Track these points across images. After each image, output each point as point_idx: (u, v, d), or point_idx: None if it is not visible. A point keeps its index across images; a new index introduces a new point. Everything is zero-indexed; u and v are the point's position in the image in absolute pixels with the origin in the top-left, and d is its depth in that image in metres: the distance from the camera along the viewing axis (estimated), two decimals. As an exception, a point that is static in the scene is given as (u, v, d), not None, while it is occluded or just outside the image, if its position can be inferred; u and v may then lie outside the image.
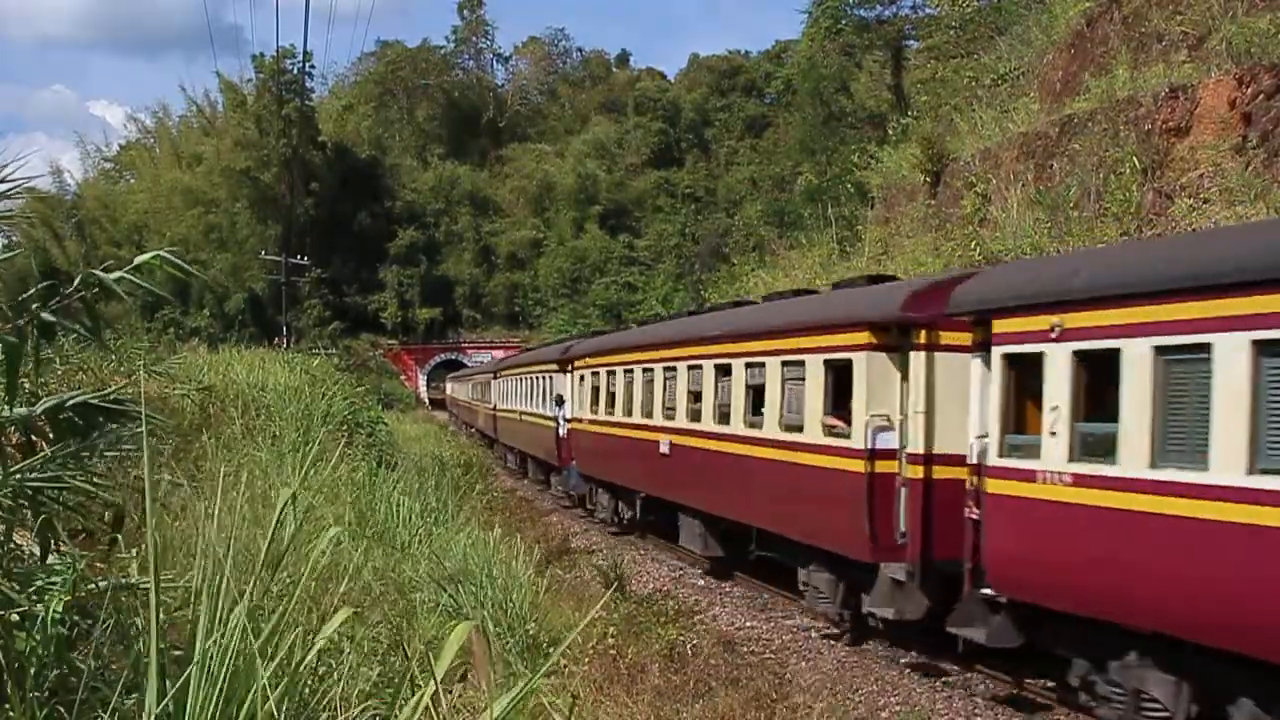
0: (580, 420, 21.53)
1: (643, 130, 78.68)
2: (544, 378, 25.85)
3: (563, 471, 23.54)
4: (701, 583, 15.41)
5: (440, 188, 73.99)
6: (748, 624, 12.88)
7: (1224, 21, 17.03)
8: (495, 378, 36.54)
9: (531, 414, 27.68)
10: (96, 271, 3.63)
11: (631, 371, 18.22)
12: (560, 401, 23.06)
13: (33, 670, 3.30)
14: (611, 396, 19.43)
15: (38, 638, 3.34)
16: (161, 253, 3.79)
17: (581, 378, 21.80)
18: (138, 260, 3.77)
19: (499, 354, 58.27)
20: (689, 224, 70.97)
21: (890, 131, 32.26)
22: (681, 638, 11.35)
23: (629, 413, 18.18)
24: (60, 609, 3.38)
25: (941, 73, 33.18)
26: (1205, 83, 16.17)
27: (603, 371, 20.18)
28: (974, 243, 20.01)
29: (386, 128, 79.11)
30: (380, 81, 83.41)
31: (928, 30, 40.57)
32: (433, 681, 2.85)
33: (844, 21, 53.59)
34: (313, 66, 73.37)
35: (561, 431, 23.00)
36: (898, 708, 9.54)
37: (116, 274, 3.68)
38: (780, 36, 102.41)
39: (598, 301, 67.69)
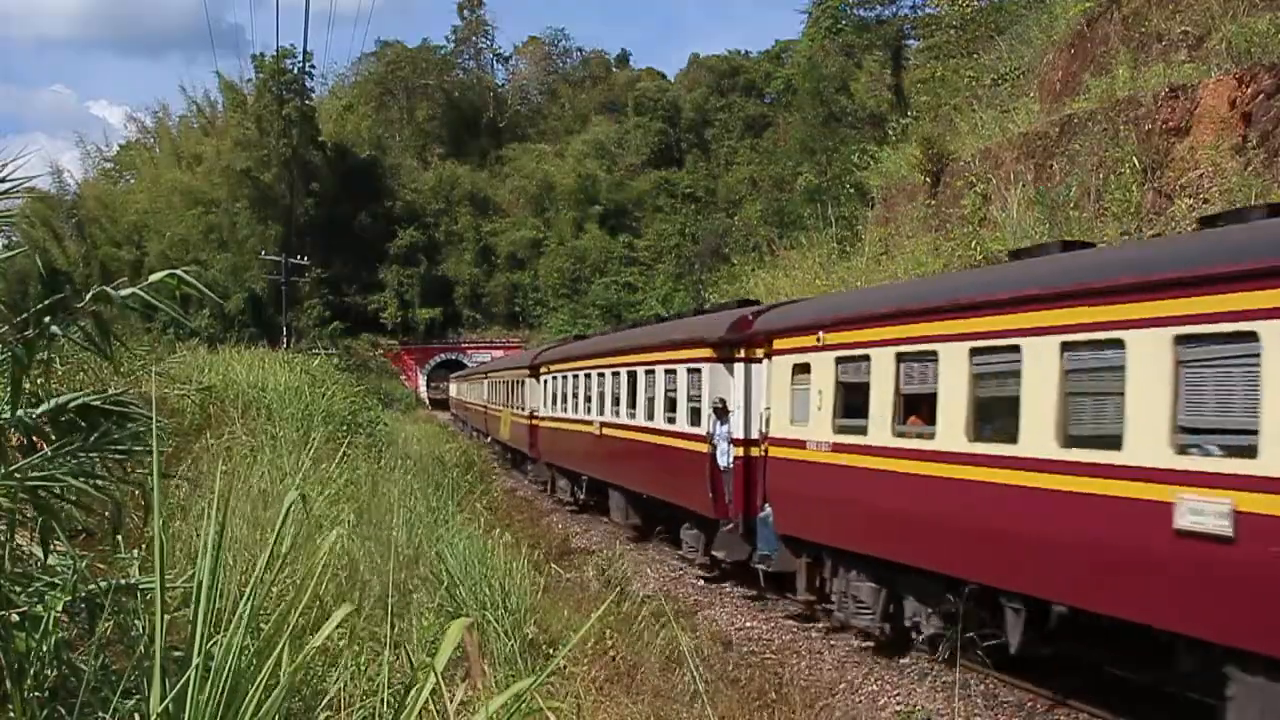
0: (801, 444, 11.88)
1: (643, 130, 78.72)
2: (673, 372, 16.12)
3: (720, 525, 14.42)
4: (701, 583, 15.40)
5: (440, 188, 74.04)
6: (748, 624, 12.87)
7: (1224, 21, 17.04)
8: (537, 375, 26.87)
9: (638, 429, 17.72)
10: (109, 289, 3.63)
11: (1076, 350, 8.06)
12: (723, 411, 14.17)
13: (32, 670, 3.30)
14: (1005, 408, 8.85)
15: (37, 638, 3.34)
16: (178, 273, 3.80)
17: (802, 368, 12.05)
18: (152, 278, 3.77)
19: (499, 354, 58.15)
20: (689, 224, 71.01)
21: (890, 132, 32.30)
22: (681, 638, 11.36)
23: (1040, 436, 8.29)
24: (60, 609, 3.39)
25: (941, 73, 33.20)
26: (1205, 83, 16.17)
27: (958, 352, 9.38)
28: (974, 242, 20.02)
29: (386, 128, 79.19)
30: (380, 81, 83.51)
31: (928, 30, 40.63)
32: (433, 675, 2.85)
33: (844, 21, 53.81)
34: (313, 66, 73.51)
35: (723, 460, 14.12)
36: (898, 708, 9.55)
37: (128, 290, 3.68)
38: (780, 36, 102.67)
39: (598, 301, 67.72)
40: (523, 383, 28.90)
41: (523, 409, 28.65)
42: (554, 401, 24.39)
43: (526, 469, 30.35)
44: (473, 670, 2.89)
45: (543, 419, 25.84)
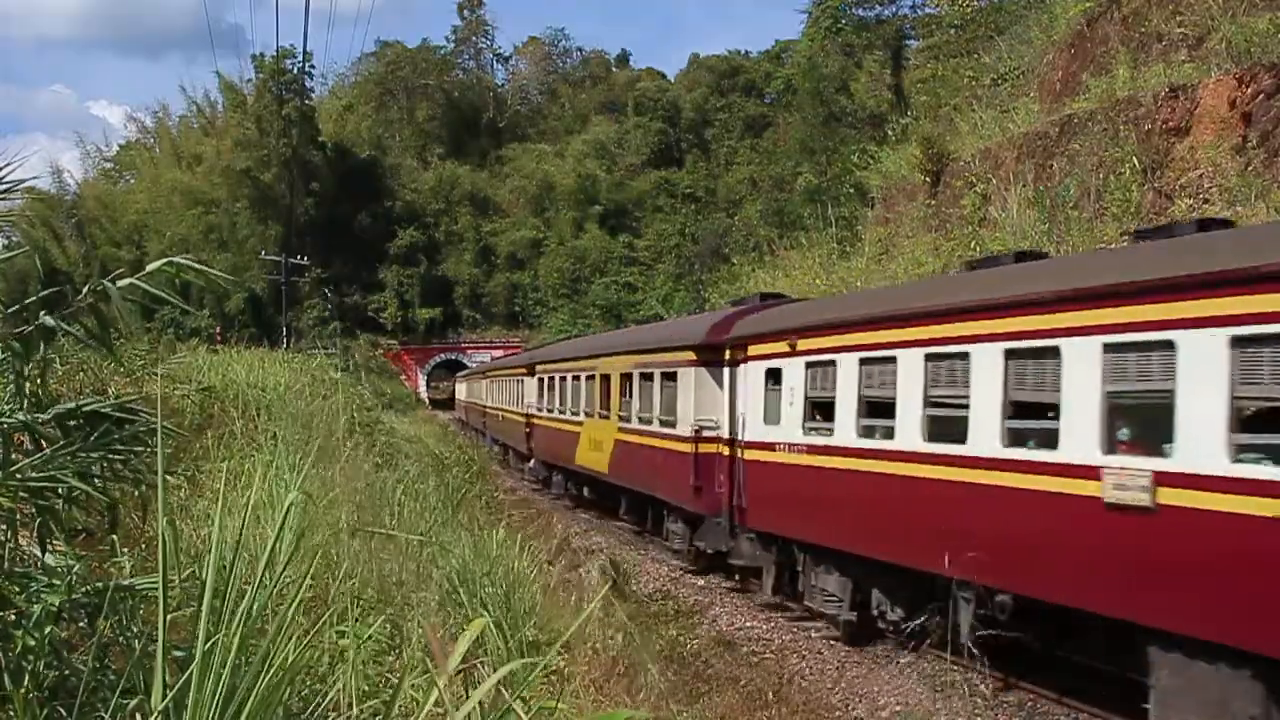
0: None
1: (643, 130, 78.74)
2: None
3: None
4: (701, 582, 15.40)
5: (440, 188, 74.05)
6: (748, 624, 12.87)
7: (1224, 21, 17.04)
8: (787, 354, 12.83)
9: None
10: (106, 282, 3.62)
11: None
12: None
13: (31, 669, 3.30)
14: None
15: (34, 636, 3.34)
16: (176, 260, 3.79)
17: None
18: (150, 267, 3.77)
19: (499, 353, 58.06)
20: (689, 224, 71.05)
21: (890, 132, 32.33)
22: (681, 637, 11.37)
23: None
24: (55, 606, 3.38)
25: (941, 72, 33.22)
26: (1205, 83, 16.17)
27: None
28: (974, 243, 20.02)
29: (386, 128, 79.18)
30: (380, 81, 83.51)
31: (928, 30, 40.68)
32: (435, 690, 2.86)
33: (844, 21, 53.82)
34: (313, 66, 73.48)
35: None
36: (898, 708, 9.55)
37: (125, 281, 3.67)
38: (780, 36, 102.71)
39: (598, 301, 67.74)
40: (670, 378, 15.98)
41: (679, 423, 15.34)
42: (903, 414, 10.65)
43: (666, 539, 16.99)
44: (440, 667, 2.91)
45: (823, 450, 11.87)
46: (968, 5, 34.17)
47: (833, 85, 48.22)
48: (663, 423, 16.27)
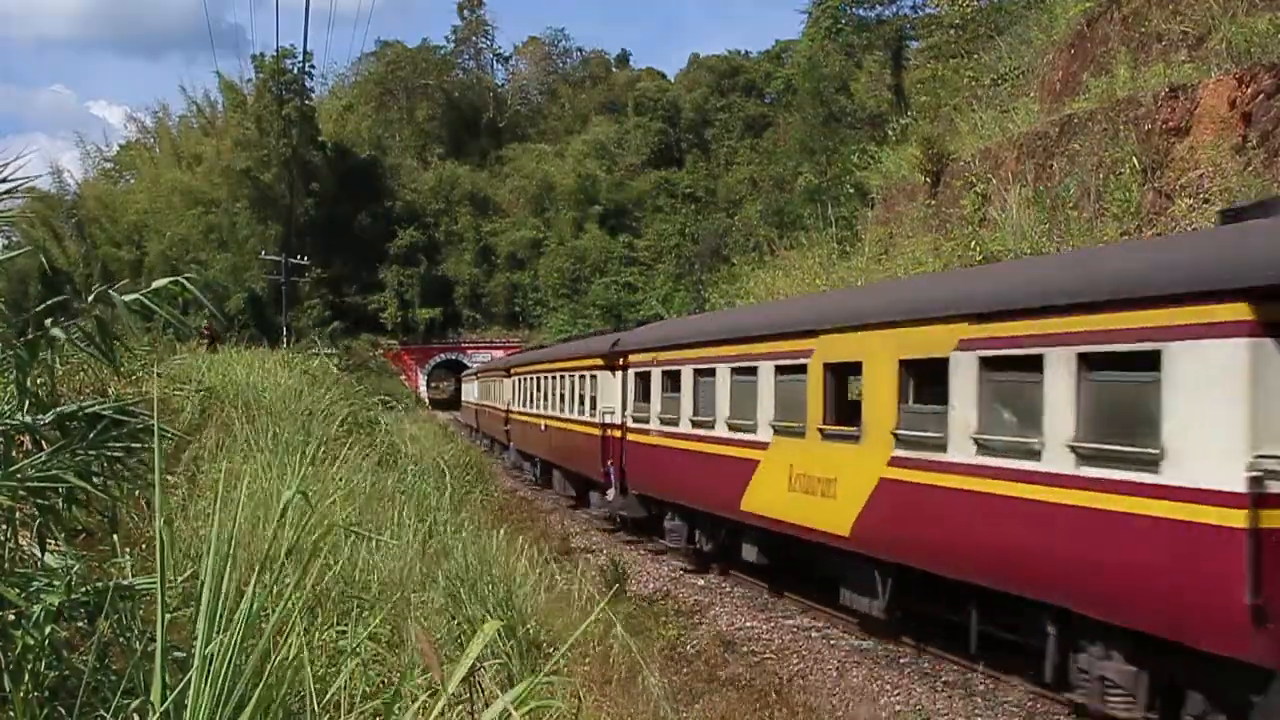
0: None
1: (643, 130, 78.73)
2: None
3: None
4: (701, 582, 15.40)
5: (440, 188, 74.05)
6: (748, 624, 12.87)
7: (1224, 21, 17.04)
8: None
9: None
10: (112, 292, 3.64)
11: None
12: None
13: (30, 668, 3.30)
14: None
15: (34, 636, 3.34)
16: (182, 279, 3.82)
17: None
18: (156, 284, 3.79)
19: (499, 354, 58.05)
20: (689, 224, 71.05)
21: (890, 132, 32.32)
22: (681, 637, 11.37)
23: None
24: (55, 606, 3.39)
25: (941, 73, 33.22)
26: (1205, 83, 16.17)
27: None
28: (974, 243, 20.02)
29: (386, 128, 79.20)
30: (380, 81, 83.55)
31: (928, 30, 40.68)
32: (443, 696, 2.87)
33: (844, 21, 53.85)
34: (313, 66, 73.55)
35: None
36: (898, 708, 9.55)
37: (131, 295, 3.69)
38: (780, 36, 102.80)
39: (598, 301, 67.75)
40: (1118, 363, 7.71)
41: (1175, 461, 7.08)
42: None
43: (1067, 685, 8.59)
44: (433, 671, 2.91)
45: None
46: (968, 5, 34.14)
47: (833, 85, 48.24)
48: (1089, 457, 7.88)
